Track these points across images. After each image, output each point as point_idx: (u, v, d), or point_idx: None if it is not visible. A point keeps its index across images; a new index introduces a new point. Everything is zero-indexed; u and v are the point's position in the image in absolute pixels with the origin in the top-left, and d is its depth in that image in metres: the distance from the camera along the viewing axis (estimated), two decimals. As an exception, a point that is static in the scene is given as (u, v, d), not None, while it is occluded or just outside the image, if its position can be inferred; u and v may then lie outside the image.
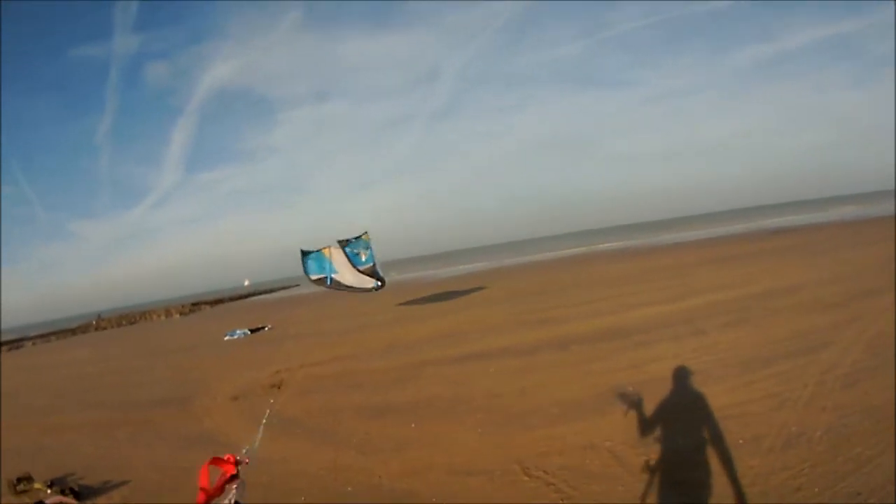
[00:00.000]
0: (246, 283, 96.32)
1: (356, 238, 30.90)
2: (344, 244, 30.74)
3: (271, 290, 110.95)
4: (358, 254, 30.51)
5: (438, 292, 39.28)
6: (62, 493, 9.52)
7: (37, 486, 9.99)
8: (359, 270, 29.77)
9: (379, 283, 29.88)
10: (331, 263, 31.07)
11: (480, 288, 39.52)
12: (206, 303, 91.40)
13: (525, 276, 46.56)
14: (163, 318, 76.65)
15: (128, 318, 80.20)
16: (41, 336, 69.17)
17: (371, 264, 30.07)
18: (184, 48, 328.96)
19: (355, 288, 29.97)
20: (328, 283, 31.01)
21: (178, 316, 75.59)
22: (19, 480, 10.18)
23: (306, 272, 32.09)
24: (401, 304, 33.03)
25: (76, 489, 9.73)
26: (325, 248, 30.46)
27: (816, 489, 6.45)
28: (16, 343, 62.48)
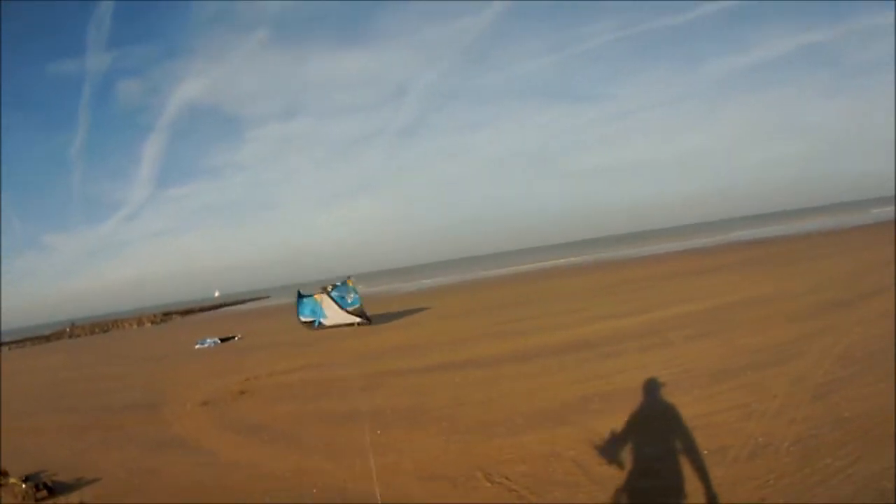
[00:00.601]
0: (216, 294, 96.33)
1: (342, 283, 33.10)
2: (331, 289, 32.19)
3: (241, 302, 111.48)
4: (344, 297, 32.15)
5: (404, 305, 39.72)
6: (36, 488, 9.61)
7: (12, 481, 10.01)
8: (347, 311, 31.34)
9: (366, 321, 31.01)
10: (321, 308, 32.61)
11: (446, 301, 40.12)
12: (177, 313, 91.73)
13: (491, 289, 47.26)
14: (135, 326, 76.78)
15: (101, 327, 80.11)
16: (16, 342, 68.54)
17: (357, 305, 31.61)
18: (155, 65, 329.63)
19: (340, 325, 31.26)
20: (315, 325, 32.33)
21: (149, 325, 75.66)
22: (-5, 476, 10.18)
23: (298, 314, 33.76)
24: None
25: (49, 485, 9.82)
26: (317, 293, 33.02)
27: (781, 500, 6.34)
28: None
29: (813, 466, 6.92)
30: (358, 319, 31.23)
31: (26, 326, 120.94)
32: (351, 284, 32.42)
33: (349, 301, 31.78)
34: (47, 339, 71.51)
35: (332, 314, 31.87)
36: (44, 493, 9.60)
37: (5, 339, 76.25)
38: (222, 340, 33.79)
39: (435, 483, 8.37)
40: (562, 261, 79.73)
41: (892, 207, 57.78)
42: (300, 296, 34.46)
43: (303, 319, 33.48)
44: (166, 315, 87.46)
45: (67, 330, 79.78)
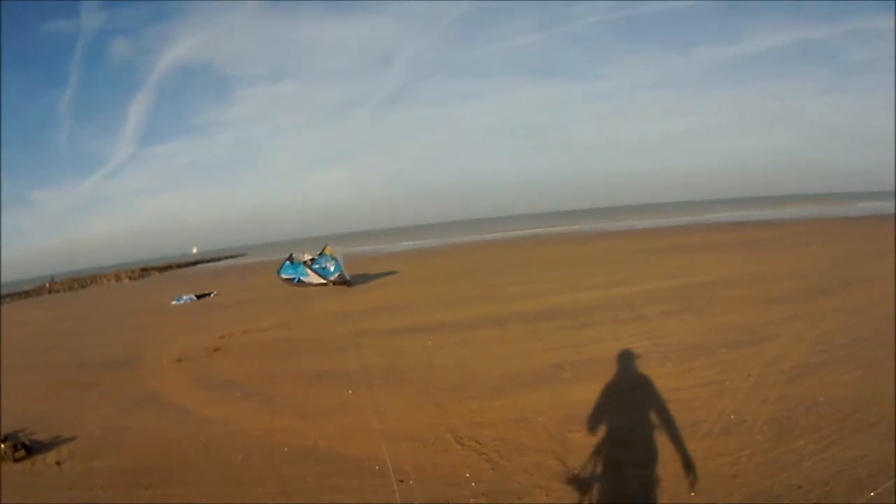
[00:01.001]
0: (194, 250, 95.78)
1: (319, 255, 32.90)
2: (310, 263, 32.03)
3: (218, 259, 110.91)
4: (325, 267, 31.98)
5: (383, 267, 39.63)
6: (14, 447, 9.60)
7: None
8: (330, 281, 31.36)
9: (347, 284, 30.99)
10: (304, 270, 32.09)
11: (425, 264, 40.50)
12: (155, 269, 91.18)
13: (471, 254, 47.25)
14: (113, 282, 76.18)
15: (79, 282, 79.50)
16: None
17: (339, 273, 31.34)
18: (148, 25, 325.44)
19: (318, 284, 31.47)
20: (295, 282, 32.23)
21: (127, 280, 75.15)
22: (-28, 437, 10.20)
23: (280, 272, 33.43)
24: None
25: (27, 444, 9.81)
26: (304, 262, 32.78)
27: (754, 478, 6.36)
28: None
29: (786, 447, 6.95)
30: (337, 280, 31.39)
31: (8, 282, 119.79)
32: (328, 253, 32.39)
33: (332, 270, 31.77)
34: (27, 294, 70.59)
35: (312, 277, 31.94)
36: (21, 452, 9.59)
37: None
38: (198, 297, 33.79)
39: (405, 444, 8.43)
40: (544, 230, 79.79)
41: (878, 203, 58.16)
42: (288, 259, 34.54)
43: (283, 276, 33.50)
44: (144, 271, 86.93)
45: (47, 285, 78.68)
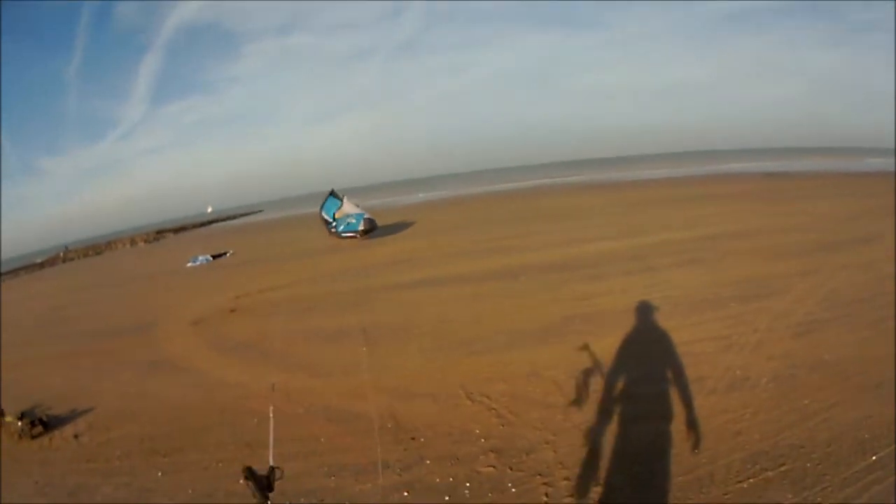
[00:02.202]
0: (209, 210, 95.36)
1: (335, 218, 33.73)
2: (334, 227, 31.98)
3: (233, 217, 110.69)
4: (349, 223, 31.64)
5: (397, 219, 39.67)
6: (32, 424, 9.69)
7: (8, 419, 10.04)
8: (360, 232, 32.02)
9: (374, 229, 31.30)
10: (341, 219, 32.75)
11: (438, 216, 40.44)
12: (169, 230, 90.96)
13: (483, 206, 46.93)
14: (128, 246, 75.86)
15: (94, 249, 78.98)
16: (9, 272, 67.36)
17: (363, 219, 31.49)
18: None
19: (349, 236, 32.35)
20: (331, 227, 33.56)
21: (142, 244, 74.92)
22: (-10, 416, 10.32)
23: (323, 209, 33.35)
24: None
25: (44, 419, 9.92)
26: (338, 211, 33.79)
27: (757, 436, 6.37)
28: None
29: (790, 405, 6.97)
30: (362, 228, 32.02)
31: (22, 255, 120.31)
32: (344, 212, 32.79)
33: (355, 223, 32.02)
34: (41, 265, 70.25)
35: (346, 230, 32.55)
36: (39, 428, 9.71)
37: (3, 269, 75.04)
38: (214, 257, 33.91)
39: (417, 400, 8.60)
40: (555, 180, 78.68)
41: (888, 159, 56.79)
42: (331, 194, 34.83)
43: (324, 216, 34.26)
44: (159, 233, 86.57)
45: (61, 255, 78.53)
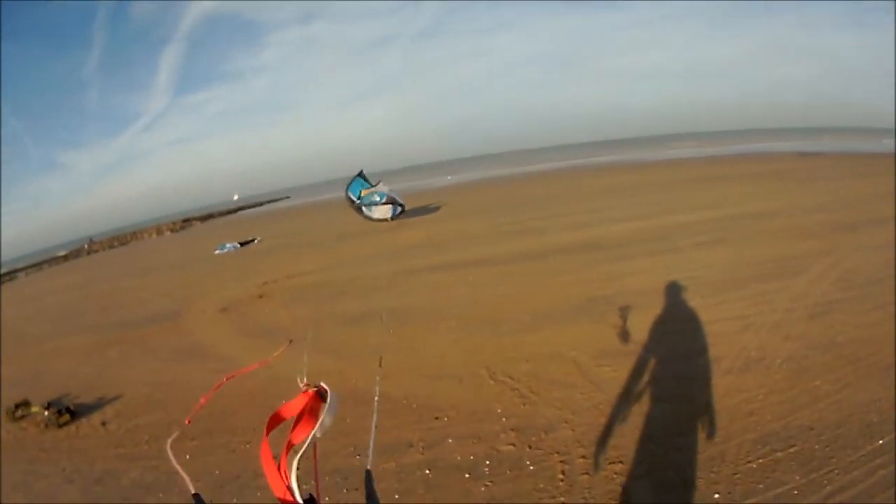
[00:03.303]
0: (235, 197, 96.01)
1: (360, 198, 34.03)
2: (358, 206, 33.27)
3: (260, 204, 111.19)
4: (373, 202, 31.85)
5: (424, 203, 39.72)
6: (58, 413, 9.93)
7: (34, 409, 10.37)
8: (391, 211, 32.49)
9: (399, 209, 31.38)
10: (369, 198, 33.19)
11: (464, 199, 40.37)
12: (196, 219, 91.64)
13: (508, 187, 46.88)
14: (154, 236, 76.67)
15: (119, 240, 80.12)
16: (33, 265, 68.36)
17: (387, 197, 31.15)
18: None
19: (375, 218, 32.62)
20: (357, 205, 33.97)
21: (169, 233, 75.48)
22: (17, 407, 10.61)
23: (349, 189, 33.62)
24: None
25: (71, 408, 10.16)
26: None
27: (769, 416, 6.45)
28: (9, 275, 61.70)
29: (803, 386, 7.04)
30: (390, 213, 32.44)
31: (45, 248, 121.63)
32: (370, 190, 33.01)
33: (378, 200, 32.32)
34: (65, 258, 70.93)
35: (378, 211, 32.90)
36: (66, 417, 9.97)
37: (21, 264, 75.61)
38: (242, 244, 34.26)
39: (441, 381, 8.80)
40: (579, 161, 77.91)
41: None
42: (359, 175, 35.24)
43: (351, 195, 34.52)
44: (186, 222, 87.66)
45: (85, 247, 79.88)
